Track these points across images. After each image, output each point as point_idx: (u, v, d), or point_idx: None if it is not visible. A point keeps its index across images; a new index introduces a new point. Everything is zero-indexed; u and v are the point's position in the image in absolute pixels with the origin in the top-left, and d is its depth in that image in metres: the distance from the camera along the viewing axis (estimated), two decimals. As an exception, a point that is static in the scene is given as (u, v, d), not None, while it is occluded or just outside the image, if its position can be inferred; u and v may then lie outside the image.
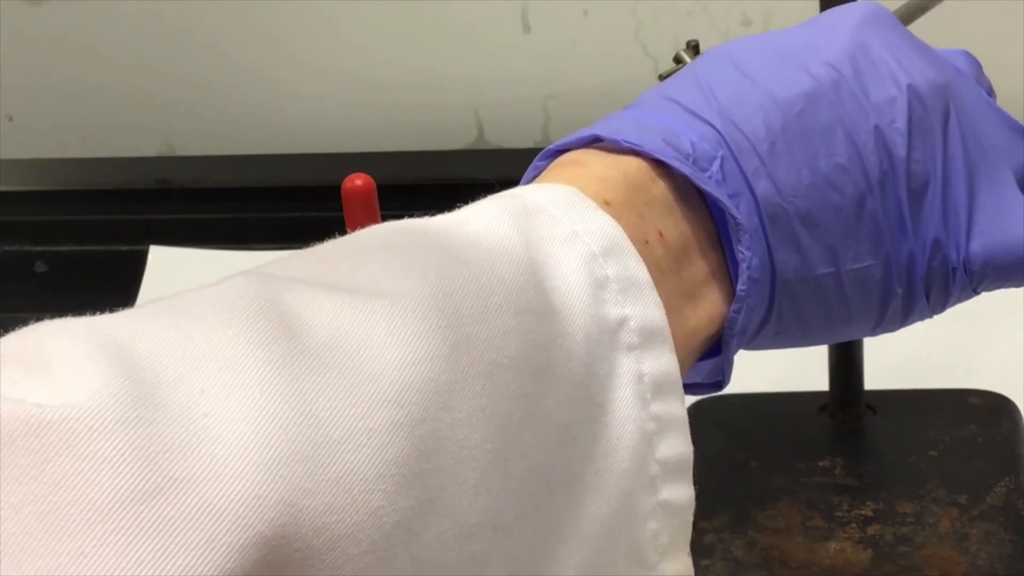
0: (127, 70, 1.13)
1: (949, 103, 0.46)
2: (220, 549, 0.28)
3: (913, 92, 0.45)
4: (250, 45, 1.11)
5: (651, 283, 0.39)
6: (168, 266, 1.04)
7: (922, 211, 0.46)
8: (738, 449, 0.73)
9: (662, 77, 0.73)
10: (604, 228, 0.39)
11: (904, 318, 0.48)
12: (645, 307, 0.38)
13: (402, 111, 1.11)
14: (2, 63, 1.13)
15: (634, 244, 0.39)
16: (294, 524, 0.29)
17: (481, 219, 0.38)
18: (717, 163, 0.43)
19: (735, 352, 0.45)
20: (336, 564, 0.30)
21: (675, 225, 0.42)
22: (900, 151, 0.45)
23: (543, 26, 1.07)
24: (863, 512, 0.70)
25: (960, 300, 0.48)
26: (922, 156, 0.45)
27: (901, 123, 0.45)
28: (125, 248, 1.11)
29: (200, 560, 0.28)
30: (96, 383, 0.29)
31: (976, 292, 0.48)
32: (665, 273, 0.41)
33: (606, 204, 0.40)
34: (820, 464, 0.72)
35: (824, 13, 0.49)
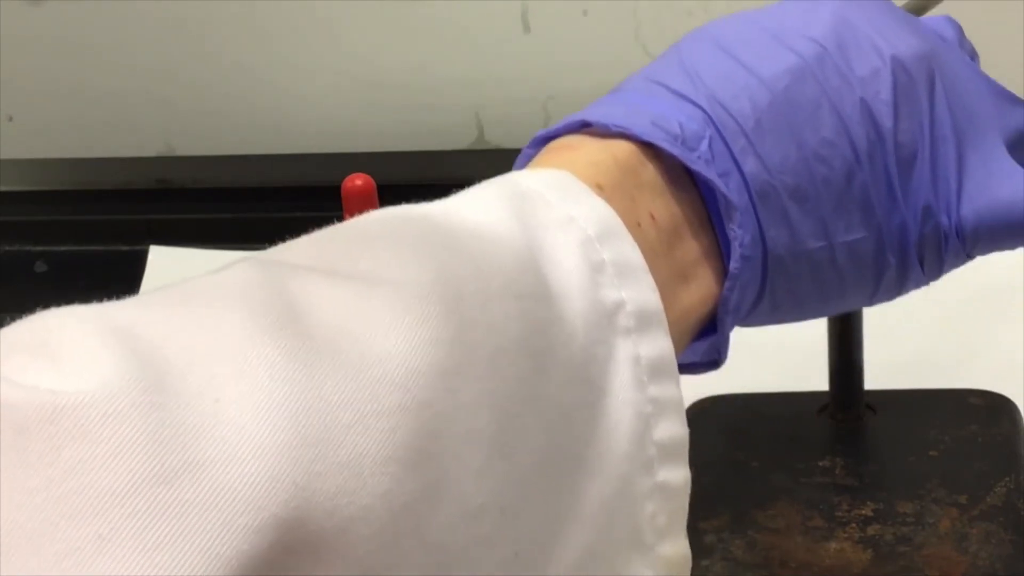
0: (127, 70, 1.13)
1: (934, 71, 0.47)
2: (237, 530, 0.28)
3: (897, 62, 0.46)
4: (250, 45, 1.11)
5: (645, 267, 0.39)
6: (168, 266, 1.04)
7: (911, 180, 0.46)
8: (738, 449, 0.73)
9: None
10: (598, 212, 0.39)
11: (900, 287, 0.48)
12: (640, 291, 0.39)
13: (402, 111, 1.11)
14: (2, 63, 1.13)
15: (627, 227, 0.40)
16: (307, 506, 0.29)
17: (478, 206, 0.38)
18: (705, 143, 0.43)
19: (730, 329, 0.45)
20: (347, 546, 0.30)
21: (666, 207, 0.42)
22: (887, 122, 0.45)
23: (543, 26, 1.07)
24: (863, 512, 0.70)
25: (954, 266, 0.49)
26: (909, 125, 0.46)
27: (886, 94, 0.45)
28: (125, 248, 1.11)
29: (217, 541, 0.28)
30: (108, 369, 0.30)
31: (970, 257, 0.49)
32: (658, 255, 0.41)
33: (599, 188, 0.41)
34: (820, 464, 0.72)
35: None
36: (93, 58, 1.13)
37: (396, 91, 1.11)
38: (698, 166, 0.43)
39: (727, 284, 0.43)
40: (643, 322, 0.38)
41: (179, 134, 1.15)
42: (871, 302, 0.49)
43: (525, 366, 0.35)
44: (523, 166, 0.45)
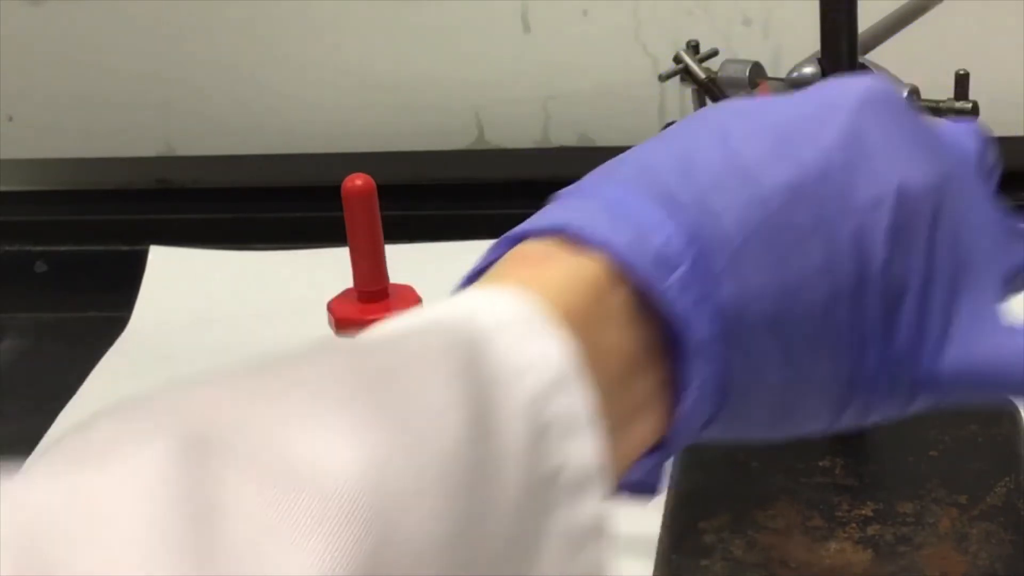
0: (127, 70, 1.13)
1: (942, 203, 0.44)
2: None
3: (903, 193, 0.43)
4: (250, 45, 1.11)
5: (593, 420, 0.37)
6: (168, 266, 1.04)
7: (896, 318, 0.43)
8: (738, 449, 0.73)
9: (662, 77, 0.73)
10: (555, 358, 0.37)
11: (862, 421, 0.46)
12: (582, 452, 0.37)
13: (402, 111, 1.11)
14: (2, 63, 1.13)
15: (587, 364, 0.38)
16: None
17: (429, 360, 0.36)
18: (685, 267, 0.41)
19: (676, 452, 0.43)
20: None
21: (631, 339, 0.40)
22: (879, 256, 0.42)
23: (543, 26, 1.07)
24: (863, 512, 0.70)
25: (925, 407, 0.46)
26: (902, 262, 0.43)
27: (884, 227, 0.42)
28: (125, 248, 1.11)
29: None
30: None
31: (943, 402, 0.46)
32: (614, 392, 0.39)
33: (565, 316, 0.39)
34: (820, 464, 0.72)
35: (827, 84, 0.46)
36: (93, 58, 1.13)
37: (396, 91, 1.11)
38: (670, 296, 0.40)
39: (679, 419, 0.41)
40: (580, 488, 0.37)
41: (179, 134, 1.15)
42: (827, 432, 0.46)
43: (450, 568, 0.33)
44: (489, 261, 0.42)
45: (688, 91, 0.72)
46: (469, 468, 0.34)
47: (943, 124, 0.48)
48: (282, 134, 1.14)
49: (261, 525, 0.30)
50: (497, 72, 1.09)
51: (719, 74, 0.70)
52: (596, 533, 0.37)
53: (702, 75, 0.70)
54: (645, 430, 0.41)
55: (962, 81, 0.67)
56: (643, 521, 0.74)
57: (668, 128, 0.46)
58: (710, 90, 0.70)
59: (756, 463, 0.72)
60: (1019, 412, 0.77)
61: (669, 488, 0.73)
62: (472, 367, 0.36)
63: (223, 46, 1.11)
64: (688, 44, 0.72)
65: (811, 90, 0.45)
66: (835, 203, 0.42)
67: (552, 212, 0.42)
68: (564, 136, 1.11)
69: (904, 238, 0.43)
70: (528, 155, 1.12)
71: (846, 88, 0.45)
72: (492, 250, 0.43)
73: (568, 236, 0.41)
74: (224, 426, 0.32)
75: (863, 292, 0.43)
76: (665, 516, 0.71)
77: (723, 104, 0.47)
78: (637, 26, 1.06)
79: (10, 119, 1.16)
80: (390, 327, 0.38)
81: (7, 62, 1.13)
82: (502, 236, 0.42)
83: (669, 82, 0.72)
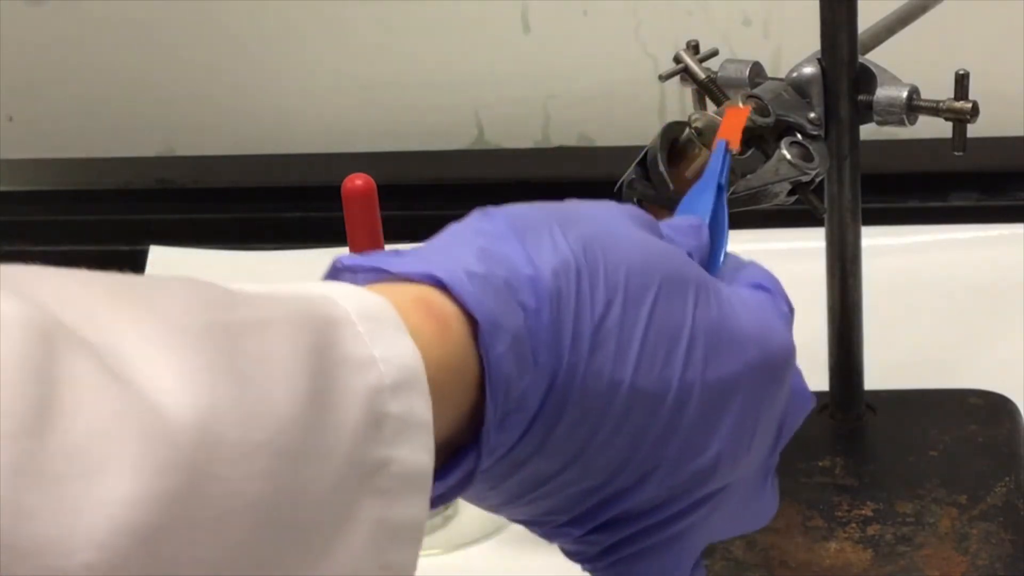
0: (127, 70, 1.13)
1: (728, 485, 0.47)
2: None
3: (711, 467, 0.46)
4: (250, 45, 1.11)
5: (429, 425, 0.38)
6: (168, 266, 1.04)
7: (612, 528, 0.46)
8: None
9: (662, 77, 0.73)
10: (407, 360, 0.38)
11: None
12: (414, 452, 0.38)
13: (402, 111, 1.11)
14: (2, 63, 1.13)
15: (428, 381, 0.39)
16: None
17: (285, 327, 0.36)
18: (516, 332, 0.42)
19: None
20: None
21: (465, 371, 0.41)
22: (651, 488, 0.45)
23: (543, 26, 1.07)
24: (863, 512, 0.70)
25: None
26: (656, 505, 0.46)
27: (677, 480, 0.45)
28: (125, 248, 1.11)
29: None
30: None
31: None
32: (445, 402, 0.40)
33: (416, 333, 0.40)
34: (820, 464, 0.72)
35: (750, 316, 0.47)
36: (93, 58, 1.13)
37: (396, 91, 1.11)
38: (495, 369, 0.41)
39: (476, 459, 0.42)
40: (404, 485, 0.38)
41: (179, 134, 1.15)
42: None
43: (254, 532, 0.34)
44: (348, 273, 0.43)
45: (688, 91, 0.72)
46: (298, 438, 0.35)
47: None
48: (282, 134, 1.14)
49: (93, 431, 0.31)
50: (497, 72, 1.09)
51: (719, 74, 0.70)
52: (411, 534, 0.38)
53: (702, 75, 0.70)
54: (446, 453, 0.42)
55: (962, 81, 0.67)
56: (643, 521, 0.74)
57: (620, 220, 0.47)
58: (710, 90, 0.70)
59: (756, 463, 0.72)
60: (1019, 412, 0.77)
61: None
62: (323, 345, 0.37)
63: (223, 46, 1.11)
64: (688, 44, 0.71)
65: (741, 308, 0.47)
66: (666, 427, 0.45)
67: (419, 259, 0.43)
68: (564, 136, 1.11)
69: (683, 492, 0.46)
70: (528, 155, 1.12)
71: (761, 338, 0.47)
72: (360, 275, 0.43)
73: (406, 276, 0.42)
74: (77, 317, 0.33)
75: (620, 495, 0.45)
76: (665, 516, 0.71)
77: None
78: (637, 26, 1.06)
79: (10, 119, 1.16)
80: (254, 288, 0.38)
81: (7, 62, 1.13)
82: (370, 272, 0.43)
83: (669, 82, 0.72)
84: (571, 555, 0.47)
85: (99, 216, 1.15)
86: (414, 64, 1.10)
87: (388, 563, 0.37)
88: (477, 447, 0.41)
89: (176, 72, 1.12)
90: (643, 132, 0.70)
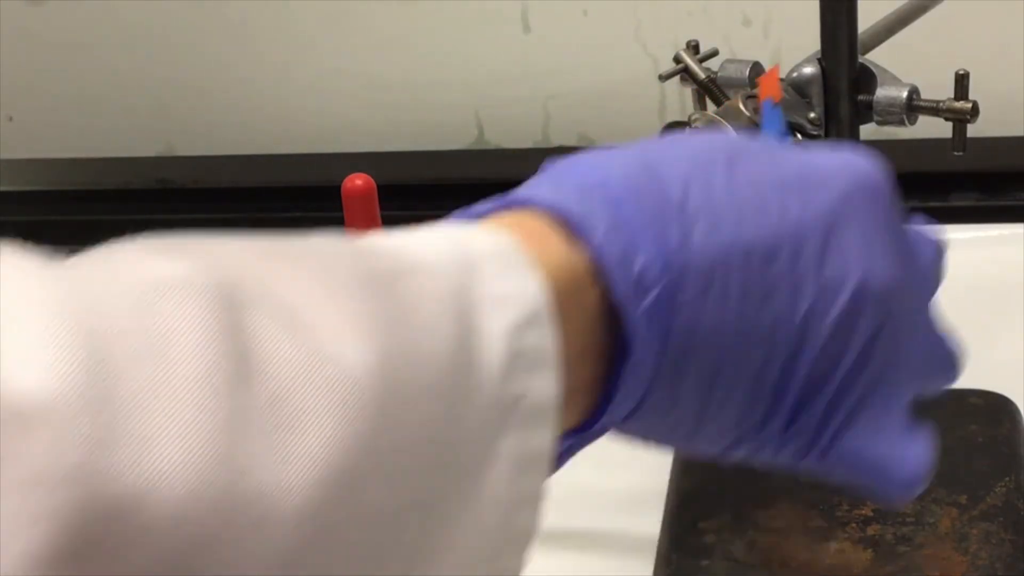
0: (127, 70, 1.13)
1: (890, 312, 0.45)
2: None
3: (860, 289, 0.44)
4: (250, 46, 1.11)
5: (557, 361, 0.39)
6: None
7: (811, 400, 0.45)
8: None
9: (662, 77, 0.73)
10: (535, 294, 0.39)
11: (752, 461, 0.48)
12: (543, 385, 0.39)
13: (402, 111, 1.11)
14: (2, 63, 1.13)
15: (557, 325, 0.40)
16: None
17: (427, 271, 0.38)
18: (655, 293, 0.42)
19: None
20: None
21: (588, 333, 0.42)
22: (818, 340, 0.44)
23: (543, 26, 1.07)
24: (863, 512, 0.70)
25: (811, 471, 0.48)
26: (835, 353, 0.45)
27: (832, 315, 0.44)
28: (125, 248, 1.11)
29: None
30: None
31: (825, 474, 0.48)
32: (566, 368, 0.41)
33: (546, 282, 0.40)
34: (820, 464, 0.72)
35: (829, 155, 0.47)
36: (93, 58, 1.13)
37: (396, 91, 1.11)
38: (634, 321, 0.42)
39: (603, 418, 0.43)
40: (537, 417, 0.39)
41: (179, 134, 1.15)
42: (723, 458, 0.49)
43: (421, 463, 0.36)
44: (481, 213, 0.44)
45: (688, 91, 0.72)
46: (452, 382, 0.36)
47: (912, 228, 0.49)
48: (282, 134, 1.14)
49: (287, 382, 0.33)
50: (497, 72, 1.09)
51: (719, 74, 0.70)
52: (541, 462, 0.39)
53: (702, 75, 0.70)
54: (574, 412, 0.43)
55: (962, 81, 0.67)
56: (643, 521, 0.74)
57: (677, 138, 0.47)
58: (710, 90, 0.70)
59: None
60: (1019, 412, 0.77)
61: (669, 488, 0.73)
62: (463, 287, 0.38)
63: (223, 46, 1.11)
64: (688, 44, 0.72)
65: (815, 154, 0.47)
66: (800, 276, 0.44)
67: (552, 189, 0.44)
68: (564, 136, 1.11)
69: (846, 331, 0.45)
70: (528, 155, 1.12)
71: (841, 169, 0.46)
72: (484, 205, 0.44)
73: (564, 223, 0.43)
74: (244, 276, 0.35)
75: (792, 366, 0.44)
76: (665, 516, 0.71)
77: (733, 138, 0.48)
78: (637, 26, 1.06)
79: (10, 119, 1.16)
80: (389, 237, 0.40)
81: (7, 62, 1.13)
82: (498, 198, 0.44)
83: (669, 82, 0.72)
84: (795, 465, 0.47)
85: (99, 216, 1.15)
86: (414, 64, 1.10)
87: (522, 493, 0.39)
88: (619, 364, 0.42)
89: (176, 72, 1.13)
90: (643, 132, 0.70)
